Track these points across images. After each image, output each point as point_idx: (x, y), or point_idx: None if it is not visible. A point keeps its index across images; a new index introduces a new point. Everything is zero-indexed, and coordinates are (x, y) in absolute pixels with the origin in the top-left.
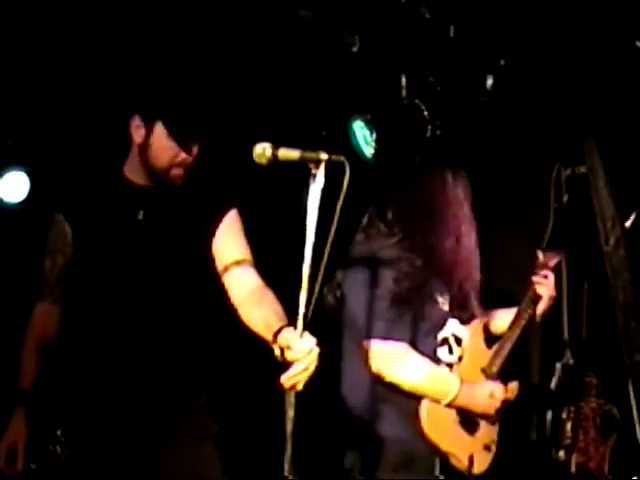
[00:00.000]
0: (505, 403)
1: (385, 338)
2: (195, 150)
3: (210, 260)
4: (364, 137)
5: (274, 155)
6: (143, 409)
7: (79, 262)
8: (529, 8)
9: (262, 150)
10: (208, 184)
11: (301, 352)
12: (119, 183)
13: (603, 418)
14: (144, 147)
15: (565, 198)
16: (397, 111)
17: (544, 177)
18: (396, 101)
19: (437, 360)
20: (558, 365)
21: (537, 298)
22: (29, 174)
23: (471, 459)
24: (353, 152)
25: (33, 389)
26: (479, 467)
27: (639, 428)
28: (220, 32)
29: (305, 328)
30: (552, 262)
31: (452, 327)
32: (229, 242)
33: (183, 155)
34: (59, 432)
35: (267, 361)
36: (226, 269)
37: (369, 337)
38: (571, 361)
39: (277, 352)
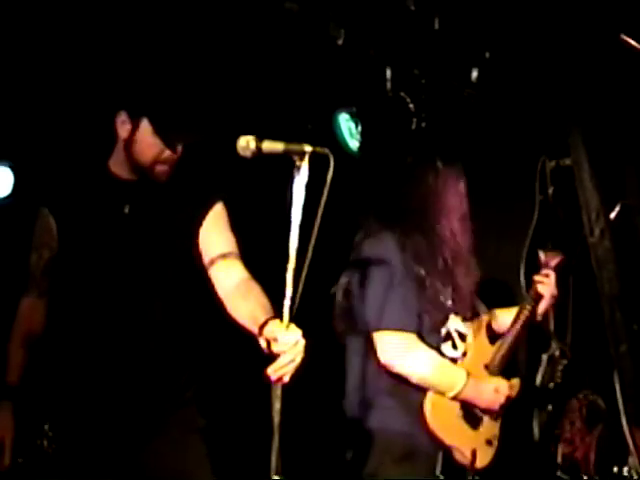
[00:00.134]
0: (508, 399)
1: (394, 329)
2: (180, 148)
3: (196, 253)
4: (349, 130)
5: (258, 148)
6: (130, 403)
7: (65, 256)
8: (514, 1)
9: (246, 143)
10: (193, 177)
11: (287, 344)
12: (104, 177)
13: (589, 409)
14: (129, 143)
15: (550, 190)
16: (382, 104)
17: (529, 169)
18: (381, 94)
19: (441, 355)
20: (544, 357)
21: (538, 297)
22: (13, 169)
23: (474, 453)
24: (338, 145)
25: (20, 383)
26: (481, 461)
27: (625, 418)
28: (207, 26)
29: (291, 320)
30: (553, 262)
31: (455, 323)
32: (215, 235)
33: (168, 152)
34: (46, 426)
35: (254, 354)
36: (212, 262)
37: (378, 329)
38: (557, 352)
39: (263, 345)
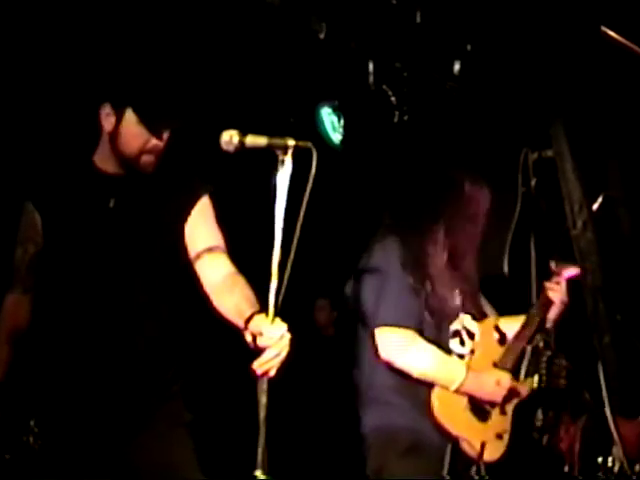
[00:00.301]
0: (515, 394)
1: (393, 325)
2: (166, 136)
3: (182, 247)
4: (332, 123)
5: (241, 142)
6: (117, 398)
7: (50, 251)
8: None
9: (229, 137)
10: (179, 171)
11: (272, 339)
12: (89, 172)
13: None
14: (114, 135)
15: (533, 182)
16: (365, 97)
17: (511, 161)
18: (363, 87)
19: (449, 351)
20: (528, 348)
21: (548, 302)
22: None
23: (483, 445)
24: (321, 138)
25: (5, 379)
26: (491, 455)
27: (609, 409)
28: (188, 18)
29: (276, 314)
30: (566, 272)
31: (464, 321)
32: (201, 229)
33: (154, 141)
34: (32, 422)
35: (239, 348)
36: (198, 256)
37: (377, 325)
38: (541, 344)
39: (249, 339)
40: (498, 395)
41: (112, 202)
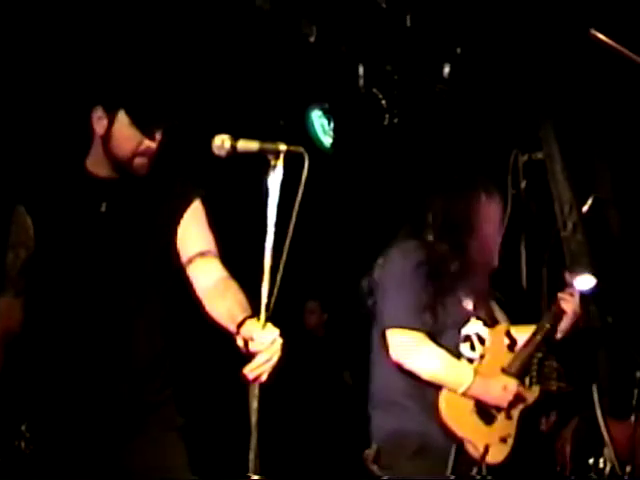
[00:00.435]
0: (521, 400)
1: (404, 328)
2: (158, 137)
3: (174, 252)
4: (322, 126)
5: (233, 147)
6: (109, 402)
7: (42, 255)
8: None
9: (221, 142)
10: (171, 176)
11: (264, 344)
12: (81, 176)
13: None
14: (107, 138)
15: (523, 184)
16: (355, 100)
17: (501, 163)
18: (354, 90)
19: (459, 355)
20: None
21: (560, 312)
22: None
23: (486, 448)
24: (311, 141)
25: None
26: (494, 458)
27: (600, 410)
28: (179, 22)
29: (268, 319)
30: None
31: (476, 327)
32: (193, 233)
33: (147, 143)
34: (24, 427)
35: (231, 353)
36: (190, 261)
37: (388, 327)
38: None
39: (241, 344)
40: (504, 400)
41: (104, 206)
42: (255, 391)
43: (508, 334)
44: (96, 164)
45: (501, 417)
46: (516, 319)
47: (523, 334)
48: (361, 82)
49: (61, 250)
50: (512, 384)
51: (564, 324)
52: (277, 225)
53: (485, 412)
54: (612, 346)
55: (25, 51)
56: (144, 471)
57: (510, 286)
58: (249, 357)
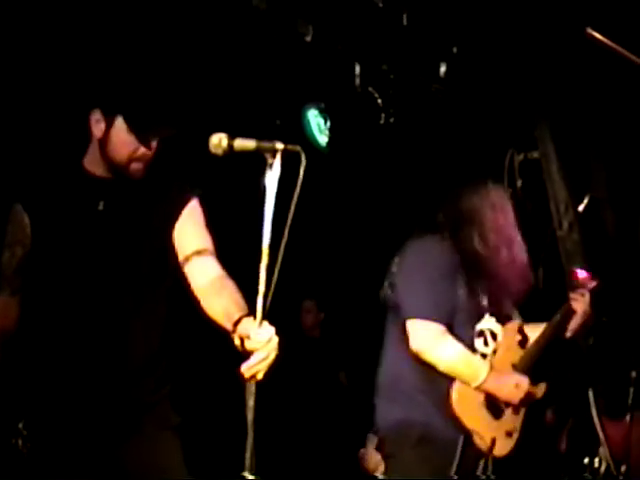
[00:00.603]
0: (530, 397)
1: (426, 319)
2: (154, 145)
3: (171, 250)
4: (318, 125)
5: (230, 145)
6: (105, 401)
7: (38, 253)
8: None
9: (218, 140)
10: (168, 174)
11: (260, 342)
12: (78, 174)
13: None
14: (104, 141)
15: (519, 183)
16: (351, 99)
17: (497, 163)
18: (350, 89)
19: (473, 349)
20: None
21: (571, 312)
22: None
23: (493, 441)
24: (307, 140)
25: None
26: (500, 451)
27: (595, 410)
28: (177, 24)
29: (264, 317)
30: (590, 284)
31: (489, 322)
32: (190, 232)
33: (143, 149)
34: (21, 425)
35: (228, 351)
36: (187, 259)
37: (411, 317)
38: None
39: (237, 342)
40: (515, 397)
41: (101, 204)
42: (252, 389)
43: (520, 331)
44: (93, 164)
45: (509, 412)
46: None
47: (534, 332)
48: (357, 81)
49: (58, 248)
50: (525, 382)
51: (574, 323)
52: (274, 224)
53: (494, 406)
54: (607, 345)
55: (26, 51)
56: (140, 469)
57: None
58: (245, 355)
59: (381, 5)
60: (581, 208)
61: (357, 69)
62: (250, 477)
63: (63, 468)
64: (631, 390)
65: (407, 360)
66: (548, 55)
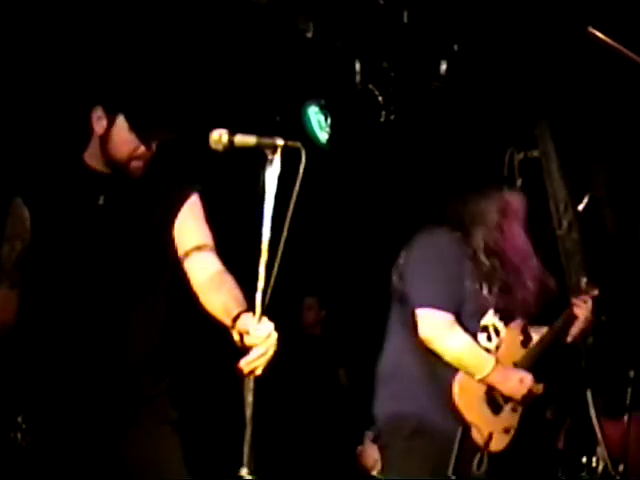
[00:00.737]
0: (532, 395)
1: (435, 307)
2: (155, 145)
3: (171, 245)
4: (318, 122)
5: (230, 141)
6: (104, 395)
7: (38, 247)
8: None
9: (218, 136)
10: (168, 170)
11: (259, 338)
12: (79, 169)
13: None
14: (105, 138)
15: (518, 182)
16: (351, 96)
17: (497, 161)
18: (350, 86)
19: (476, 343)
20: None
21: (572, 317)
22: None
23: (490, 436)
24: (307, 137)
25: None
26: (496, 446)
27: (593, 410)
28: (178, 22)
29: (263, 313)
30: (593, 292)
31: (494, 319)
32: (190, 227)
33: (143, 148)
34: (20, 419)
35: (227, 346)
36: (187, 254)
37: (421, 305)
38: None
39: (236, 337)
40: (518, 392)
41: (101, 199)
42: (250, 385)
43: (523, 330)
44: (94, 159)
45: (508, 408)
46: None
47: (536, 334)
48: (358, 78)
49: (58, 242)
50: (528, 379)
51: (575, 329)
52: (274, 220)
53: (494, 401)
54: (605, 345)
55: (29, 47)
56: (138, 463)
57: None
58: (244, 351)
59: (382, 2)
60: (581, 207)
61: (358, 66)
62: (248, 477)
63: (62, 462)
64: (629, 390)
65: (409, 350)
66: (549, 54)
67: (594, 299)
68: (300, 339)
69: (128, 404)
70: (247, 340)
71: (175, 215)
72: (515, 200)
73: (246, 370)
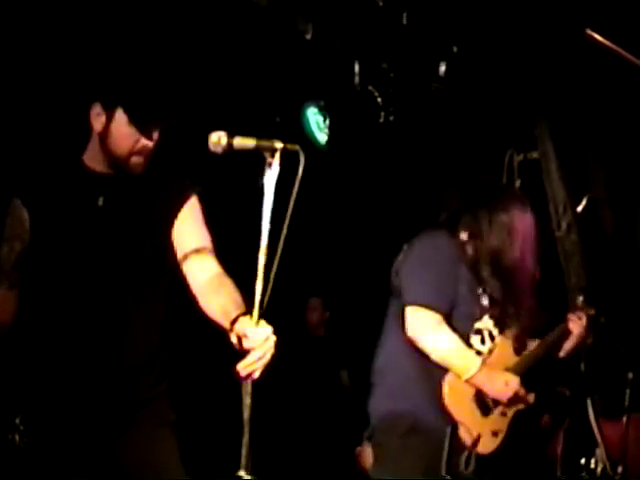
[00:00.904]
0: (520, 400)
1: (424, 306)
2: (155, 136)
3: (170, 247)
4: (317, 123)
5: (229, 144)
6: (102, 396)
7: (37, 248)
8: None
9: (217, 138)
10: (168, 172)
11: (257, 341)
12: (78, 170)
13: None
14: (104, 135)
15: (517, 183)
16: (350, 98)
17: (497, 162)
18: (349, 88)
19: (469, 345)
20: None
21: (567, 331)
22: None
23: (478, 437)
24: (306, 138)
25: None
26: (483, 448)
27: (592, 411)
28: (177, 19)
29: (263, 315)
30: (589, 311)
31: (489, 324)
32: (189, 230)
33: (144, 141)
34: (18, 420)
35: (225, 349)
36: (185, 257)
37: (411, 303)
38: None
39: (234, 340)
40: (504, 395)
41: (101, 200)
42: (248, 388)
43: (518, 339)
44: (93, 159)
45: (497, 412)
46: None
47: (532, 343)
48: (357, 80)
49: (57, 244)
50: (514, 381)
51: (568, 344)
52: (272, 222)
53: (483, 403)
54: (604, 346)
55: (24, 47)
56: (136, 466)
57: None
58: (242, 354)
59: (381, 4)
60: (580, 208)
61: (357, 67)
62: (246, 477)
63: (60, 463)
64: (627, 391)
65: (404, 347)
66: (548, 55)
67: (589, 317)
68: (304, 339)
69: (127, 405)
70: (245, 343)
71: (175, 216)
72: (528, 218)
73: (243, 373)
